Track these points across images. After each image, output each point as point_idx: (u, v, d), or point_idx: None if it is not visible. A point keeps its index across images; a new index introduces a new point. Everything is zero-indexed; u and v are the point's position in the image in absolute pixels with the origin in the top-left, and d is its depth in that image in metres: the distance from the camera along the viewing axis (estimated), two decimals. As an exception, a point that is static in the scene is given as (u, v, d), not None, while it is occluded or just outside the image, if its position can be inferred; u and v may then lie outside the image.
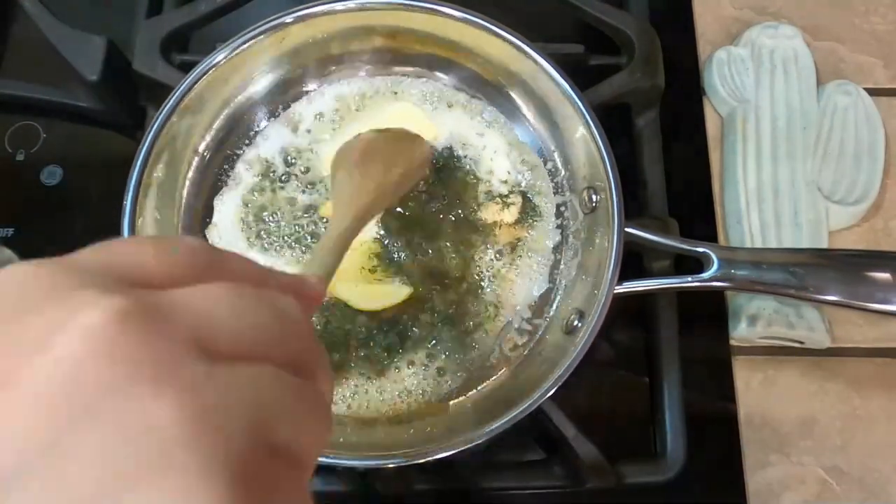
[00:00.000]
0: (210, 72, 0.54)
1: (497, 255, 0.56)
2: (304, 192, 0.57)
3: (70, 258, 0.22)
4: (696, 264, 0.51)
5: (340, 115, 0.60)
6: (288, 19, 0.55)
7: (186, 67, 0.56)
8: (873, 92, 0.64)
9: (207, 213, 0.57)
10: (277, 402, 0.22)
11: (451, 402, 0.53)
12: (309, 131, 0.59)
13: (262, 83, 0.59)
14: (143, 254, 0.23)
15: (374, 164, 0.49)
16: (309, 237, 0.56)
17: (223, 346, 0.21)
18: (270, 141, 0.59)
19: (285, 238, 0.56)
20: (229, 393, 0.20)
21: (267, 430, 0.21)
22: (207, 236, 0.56)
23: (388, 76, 0.61)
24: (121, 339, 0.19)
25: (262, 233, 0.56)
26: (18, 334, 0.19)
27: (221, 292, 0.22)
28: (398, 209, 0.56)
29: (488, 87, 0.60)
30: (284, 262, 0.56)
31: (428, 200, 0.57)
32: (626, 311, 0.54)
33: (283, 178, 0.58)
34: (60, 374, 0.18)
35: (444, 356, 0.54)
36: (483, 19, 0.54)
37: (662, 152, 0.62)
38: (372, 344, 0.53)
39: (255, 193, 0.57)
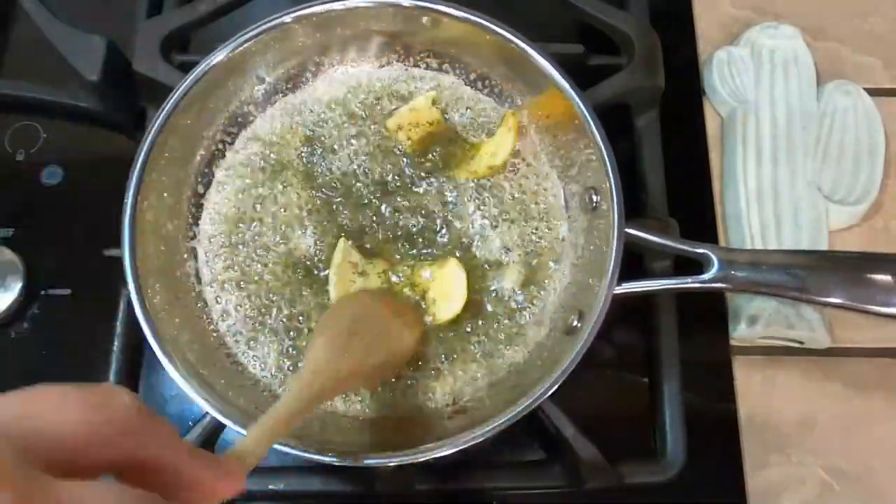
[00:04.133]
0: (210, 71, 0.54)
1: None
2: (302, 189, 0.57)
3: None
4: (696, 265, 0.51)
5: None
6: (288, 18, 0.55)
7: (186, 67, 0.56)
8: (873, 92, 0.64)
9: (205, 212, 0.57)
10: None
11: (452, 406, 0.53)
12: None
13: (262, 82, 0.59)
14: (66, 416, 0.24)
15: (357, 340, 0.46)
16: (304, 233, 0.56)
17: None
18: (269, 139, 0.59)
19: (278, 235, 0.56)
20: None
21: None
22: (199, 238, 0.56)
23: (387, 74, 0.61)
24: None
25: (257, 231, 0.56)
26: None
27: (111, 499, 0.23)
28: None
29: (489, 86, 0.60)
30: (278, 257, 0.55)
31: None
32: (626, 312, 0.54)
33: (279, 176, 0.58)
34: None
35: (443, 360, 0.54)
36: (484, 19, 0.54)
37: (662, 152, 0.61)
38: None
39: (254, 192, 0.57)
